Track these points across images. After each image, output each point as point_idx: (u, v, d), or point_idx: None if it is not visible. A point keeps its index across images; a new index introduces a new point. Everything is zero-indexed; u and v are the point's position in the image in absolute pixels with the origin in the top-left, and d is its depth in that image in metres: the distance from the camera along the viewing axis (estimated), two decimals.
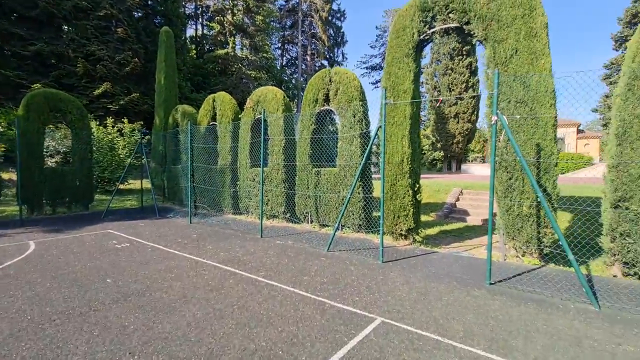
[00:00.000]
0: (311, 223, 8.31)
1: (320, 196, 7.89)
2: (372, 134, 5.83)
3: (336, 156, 7.71)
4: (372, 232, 7.36)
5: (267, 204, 9.08)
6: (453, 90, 32.85)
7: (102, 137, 14.56)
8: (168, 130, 12.40)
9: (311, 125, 8.03)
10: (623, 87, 4.54)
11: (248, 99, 9.55)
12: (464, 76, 31.37)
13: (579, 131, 33.11)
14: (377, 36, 54.01)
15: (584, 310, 3.65)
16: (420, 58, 6.62)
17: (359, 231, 7.48)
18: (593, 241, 5.22)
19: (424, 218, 8.83)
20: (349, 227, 7.59)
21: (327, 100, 7.93)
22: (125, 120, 16.42)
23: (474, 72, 31.77)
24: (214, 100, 10.64)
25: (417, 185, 6.61)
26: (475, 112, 32.84)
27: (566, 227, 7.54)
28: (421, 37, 6.29)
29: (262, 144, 7.16)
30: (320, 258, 5.61)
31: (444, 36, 6.25)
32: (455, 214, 10.27)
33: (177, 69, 25.90)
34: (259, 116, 9.24)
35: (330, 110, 7.91)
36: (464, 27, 5.86)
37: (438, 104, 31.26)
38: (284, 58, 51.56)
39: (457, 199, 11.18)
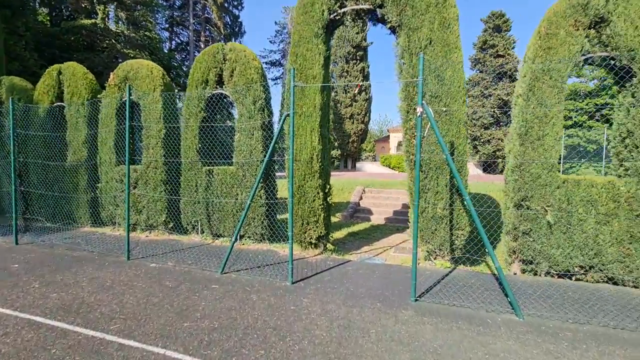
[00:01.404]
0: (202, 234, 6.71)
1: (213, 201, 6.39)
2: (277, 125, 4.75)
3: (233, 152, 6.34)
4: (277, 241, 6.28)
5: (141, 212, 7.03)
6: (348, 92, 34.75)
7: None
8: None
9: (200, 112, 6.42)
10: (525, 87, 4.59)
11: (112, 73, 7.23)
12: (358, 79, 33.38)
13: None
14: (277, 32, 53.01)
15: (511, 323, 3.35)
16: (331, 41, 5.84)
17: (261, 241, 6.30)
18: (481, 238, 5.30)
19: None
20: (249, 237, 6.32)
21: (220, 82, 6.45)
22: None
23: (366, 77, 34.14)
24: (59, 73, 7.80)
25: (328, 187, 5.83)
26: (368, 114, 35.43)
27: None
28: (332, 15, 5.49)
29: (127, 133, 5.25)
30: (211, 286, 4.22)
31: (357, 19, 5.60)
32: (360, 214, 10.07)
33: (15, 32, 19.73)
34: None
35: (225, 95, 6.47)
36: (377, 10, 5.29)
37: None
38: (173, 42, 45.67)
39: (361, 198, 11.08)
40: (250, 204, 4.64)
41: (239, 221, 4.72)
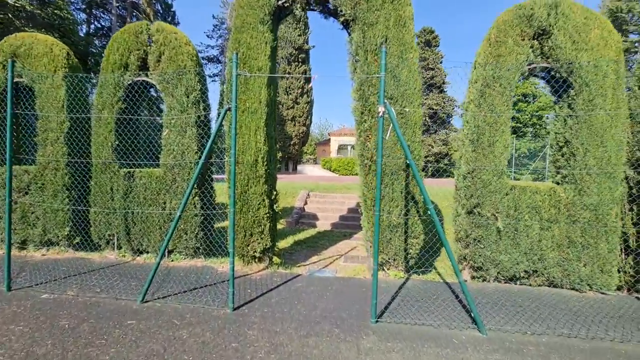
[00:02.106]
0: (118, 250, 5.54)
1: (133, 210, 5.30)
2: (215, 122, 3.99)
3: (160, 151, 5.35)
4: (214, 255, 5.45)
5: (34, 225, 5.57)
6: (290, 94, 34.38)
7: None
8: None
9: (117, 102, 5.29)
10: (476, 93, 4.57)
11: None
12: (299, 82, 33.18)
13: None
14: (215, 26, 50.22)
15: (476, 342, 3.14)
16: (277, 31, 5.26)
17: (195, 256, 5.40)
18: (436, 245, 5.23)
19: None
20: (180, 252, 5.38)
21: (144, 68, 5.41)
22: None
23: (308, 80, 34.09)
24: None
25: (275, 193, 5.23)
26: (310, 117, 35.43)
27: None
28: (280, 2, 4.91)
29: (8, 123, 3.98)
30: (126, 322, 3.30)
31: (307, 9, 5.11)
32: (305, 219, 9.59)
33: None
34: (17, 79, 5.55)
35: (151, 84, 5.44)
36: (330, 0, 4.88)
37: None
38: (92, 26, 40.14)
39: (306, 203, 10.61)
40: (181, 214, 3.82)
41: (167, 234, 3.86)
